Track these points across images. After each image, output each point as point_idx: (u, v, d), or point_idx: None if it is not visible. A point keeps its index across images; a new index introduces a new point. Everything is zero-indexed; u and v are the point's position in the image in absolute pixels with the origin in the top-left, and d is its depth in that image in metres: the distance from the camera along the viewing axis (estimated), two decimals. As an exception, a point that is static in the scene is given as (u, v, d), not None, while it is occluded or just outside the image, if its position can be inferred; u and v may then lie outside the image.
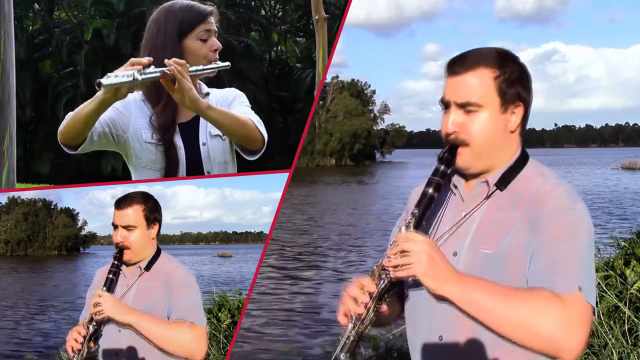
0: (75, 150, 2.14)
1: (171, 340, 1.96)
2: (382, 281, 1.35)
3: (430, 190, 1.38)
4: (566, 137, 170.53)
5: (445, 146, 1.42)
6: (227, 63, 2.27)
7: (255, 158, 2.24)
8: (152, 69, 1.99)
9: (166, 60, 2.01)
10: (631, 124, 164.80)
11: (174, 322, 1.99)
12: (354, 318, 1.35)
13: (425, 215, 1.38)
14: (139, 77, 1.95)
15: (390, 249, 1.35)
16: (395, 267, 1.33)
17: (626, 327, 3.57)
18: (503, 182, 1.42)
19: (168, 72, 2.00)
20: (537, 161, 1.48)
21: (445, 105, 1.44)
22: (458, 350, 1.38)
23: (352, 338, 1.35)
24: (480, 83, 1.39)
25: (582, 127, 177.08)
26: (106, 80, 1.91)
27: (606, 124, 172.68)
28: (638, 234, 5.99)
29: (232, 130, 2.15)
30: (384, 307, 1.38)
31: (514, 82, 1.41)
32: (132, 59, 2.00)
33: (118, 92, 1.95)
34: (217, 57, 2.26)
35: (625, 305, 3.64)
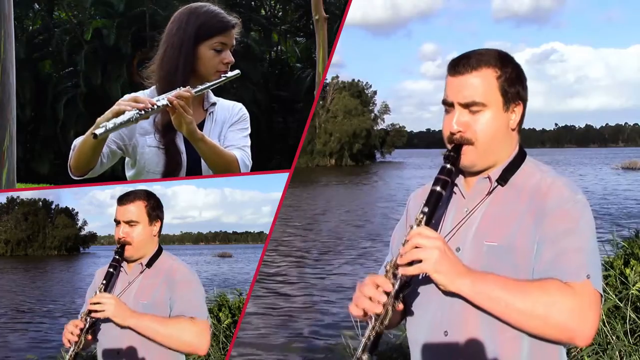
0: (84, 176, 2.16)
1: (171, 337, 1.96)
2: (397, 279, 1.35)
3: (438, 188, 1.40)
4: (566, 137, 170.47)
5: (449, 145, 1.45)
6: (237, 71, 2.27)
7: None
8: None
9: (167, 97, 2.03)
10: (631, 124, 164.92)
11: (173, 318, 1.99)
12: (373, 318, 1.35)
13: (435, 212, 1.40)
14: (136, 117, 1.98)
15: (403, 247, 1.36)
16: (407, 263, 1.33)
17: (628, 327, 3.56)
18: (504, 178, 1.45)
19: (169, 105, 2.03)
20: (534, 158, 1.51)
21: (448, 105, 1.45)
22: (463, 346, 1.39)
23: (372, 338, 1.35)
24: (483, 83, 1.42)
25: (582, 127, 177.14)
26: (99, 130, 1.92)
27: (606, 124, 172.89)
28: (637, 234, 6.00)
29: (214, 166, 2.19)
30: (400, 306, 1.38)
31: (514, 81, 1.45)
32: (135, 97, 2.03)
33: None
34: (228, 70, 2.25)
35: (627, 305, 3.63)
